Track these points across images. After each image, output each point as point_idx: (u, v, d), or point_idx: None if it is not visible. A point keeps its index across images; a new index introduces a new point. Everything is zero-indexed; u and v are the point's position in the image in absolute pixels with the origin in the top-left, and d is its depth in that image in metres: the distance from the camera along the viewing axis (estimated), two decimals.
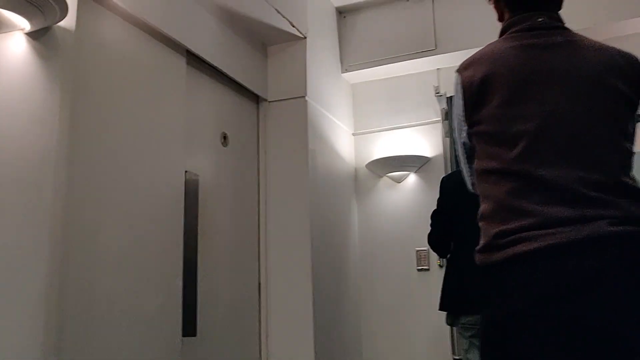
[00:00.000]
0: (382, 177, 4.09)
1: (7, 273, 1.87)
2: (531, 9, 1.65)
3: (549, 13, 1.64)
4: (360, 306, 3.96)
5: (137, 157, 2.54)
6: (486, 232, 1.48)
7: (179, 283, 2.66)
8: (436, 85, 3.85)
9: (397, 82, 4.18)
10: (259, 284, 3.32)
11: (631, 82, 1.55)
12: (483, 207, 1.53)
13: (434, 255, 3.71)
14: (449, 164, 3.90)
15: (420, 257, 3.85)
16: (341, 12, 4.26)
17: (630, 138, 1.54)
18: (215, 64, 3.09)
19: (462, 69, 1.64)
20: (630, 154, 1.52)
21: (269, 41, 3.61)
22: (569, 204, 1.40)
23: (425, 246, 3.42)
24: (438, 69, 4.09)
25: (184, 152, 2.83)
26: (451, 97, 3.49)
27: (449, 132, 3.79)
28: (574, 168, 1.44)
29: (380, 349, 3.86)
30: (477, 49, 3.77)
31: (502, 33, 1.68)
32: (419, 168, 3.99)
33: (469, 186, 1.70)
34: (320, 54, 3.86)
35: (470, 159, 1.64)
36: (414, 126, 4.05)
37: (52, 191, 1.98)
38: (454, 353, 3.45)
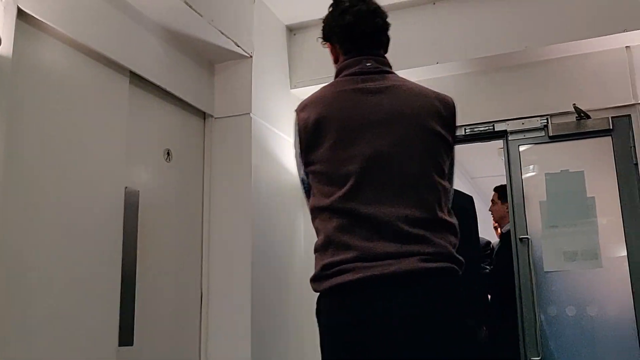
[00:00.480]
0: None
1: None
2: (361, 53, 1.84)
3: (376, 57, 1.87)
4: (302, 315, 4.10)
5: (75, 175, 2.65)
6: (317, 263, 1.68)
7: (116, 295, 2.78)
8: None
9: None
10: (201, 295, 3.45)
11: (446, 124, 1.76)
12: (317, 240, 1.70)
13: None
14: None
15: None
16: (291, 30, 4.41)
17: (446, 176, 1.73)
18: (158, 83, 3.22)
19: (299, 110, 1.78)
20: (447, 190, 1.71)
21: (216, 59, 3.74)
22: (389, 240, 1.57)
23: None
24: None
25: (125, 169, 2.96)
26: None
27: None
28: (397, 206, 1.61)
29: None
30: (423, 68, 3.98)
31: (336, 75, 1.86)
32: None
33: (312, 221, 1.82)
34: (268, 71, 4.00)
35: (308, 194, 1.82)
36: None
37: None
38: None
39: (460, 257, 1.64)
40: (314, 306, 4.24)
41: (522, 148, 3.92)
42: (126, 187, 2.96)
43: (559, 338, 3.65)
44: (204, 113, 3.66)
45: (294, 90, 4.32)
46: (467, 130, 4.01)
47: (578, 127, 3.78)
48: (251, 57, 3.74)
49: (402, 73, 4.00)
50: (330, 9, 2.01)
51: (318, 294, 1.71)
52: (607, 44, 3.72)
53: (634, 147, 3.64)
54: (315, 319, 1.77)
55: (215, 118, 3.69)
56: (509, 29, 3.84)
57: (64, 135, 2.62)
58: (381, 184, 1.64)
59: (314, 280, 1.69)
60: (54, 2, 2.56)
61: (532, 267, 3.72)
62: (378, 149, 1.66)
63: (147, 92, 3.22)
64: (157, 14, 3.16)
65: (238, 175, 3.56)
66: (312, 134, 1.71)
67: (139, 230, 3.02)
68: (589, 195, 3.72)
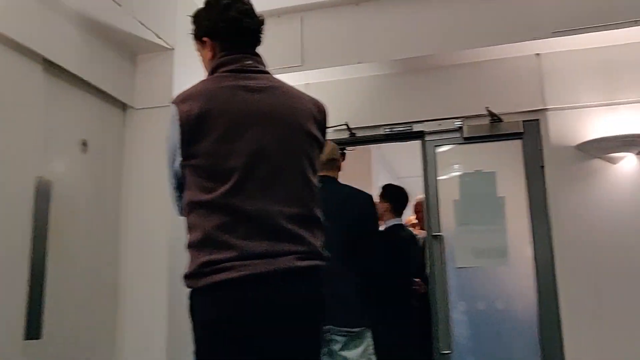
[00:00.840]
0: None
1: None
2: (240, 51, 1.89)
3: (255, 57, 1.91)
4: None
5: None
6: (194, 260, 1.67)
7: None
8: None
9: None
10: (117, 287, 3.41)
11: (319, 127, 1.88)
12: (192, 236, 1.70)
13: None
14: None
15: None
16: None
17: (316, 175, 1.82)
18: (76, 72, 3.15)
19: (179, 102, 1.77)
20: (316, 187, 1.80)
21: (138, 51, 3.70)
22: (267, 238, 1.64)
23: None
24: (307, 83, 4.31)
25: (38, 159, 2.89)
26: None
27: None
28: (275, 203, 1.68)
29: None
30: (344, 67, 4.02)
31: (213, 70, 1.90)
32: None
33: (177, 212, 1.85)
34: (191, 63, 3.96)
35: (180, 187, 1.81)
36: None
37: None
38: None
39: (326, 253, 1.76)
40: None
41: (438, 149, 4.05)
42: (37, 177, 2.89)
43: (469, 332, 3.81)
44: (124, 104, 3.61)
45: None
46: (386, 130, 4.12)
47: (491, 129, 3.95)
48: (173, 49, 3.72)
49: (324, 71, 4.15)
50: (208, 5, 2.02)
51: (191, 290, 1.71)
52: (519, 50, 3.90)
53: (542, 150, 3.83)
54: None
55: (135, 109, 3.65)
56: (428, 32, 3.97)
57: None
58: (261, 180, 1.70)
59: (191, 277, 1.68)
60: None
61: (444, 263, 3.86)
62: (260, 145, 1.72)
63: (64, 81, 3.15)
64: (74, 2, 3.10)
65: (158, 167, 3.52)
66: (194, 126, 1.70)
67: (51, 221, 2.95)
68: (499, 195, 3.90)
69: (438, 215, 3.97)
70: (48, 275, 2.90)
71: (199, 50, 2.04)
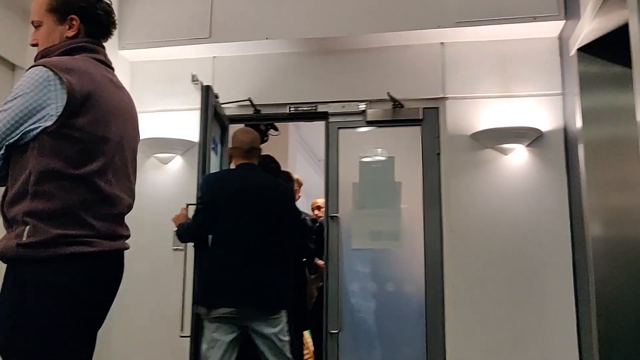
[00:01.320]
0: (149, 157, 4.18)
1: None
2: (100, 43, 2.02)
3: (104, 52, 2.04)
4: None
5: None
6: (43, 230, 1.71)
7: None
8: (194, 73, 3.96)
9: (175, 65, 4.27)
10: None
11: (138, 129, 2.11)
12: (43, 205, 1.72)
13: None
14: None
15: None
16: None
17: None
18: None
19: (63, 71, 1.75)
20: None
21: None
22: (114, 221, 1.89)
23: None
24: (214, 57, 4.24)
25: None
26: (208, 86, 3.63)
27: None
28: (123, 192, 1.92)
29: (129, 320, 4.00)
30: (252, 42, 3.92)
31: (72, 50, 1.91)
32: (186, 151, 4.14)
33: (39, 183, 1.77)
34: None
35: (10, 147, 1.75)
36: (185, 110, 4.17)
37: None
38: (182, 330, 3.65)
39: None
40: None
41: (341, 131, 4.07)
42: None
43: (359, 312, 3.88)
44: (13, 64, 3.46)
45: (122, 52, 4.19)
46: (291, 109, 4.11)
47: (393, 114, 3.99)
48: None
49: (232, 45, 4.09)
50: None
51: (25, 260, 1.73)
52: (425, 38, 3.96)
53: (439, 137, 3.90)
54: None
55: (25, 70, 3.48)
56: (336, 14, 3.96)
57: None
58: (118, 170, 1.90)
59: (38, 245, 1.71)
60: None
61: (340, 244, 3.90)
62: (120, 138, 1.91)
63: None
64: None
65: None
66: (81, 101, 1.77)
67: None
68: (396, 180, 3.96)
69: (337, 197, 3.99)
70: None
71: (48, 23, 1.98)
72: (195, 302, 3.26)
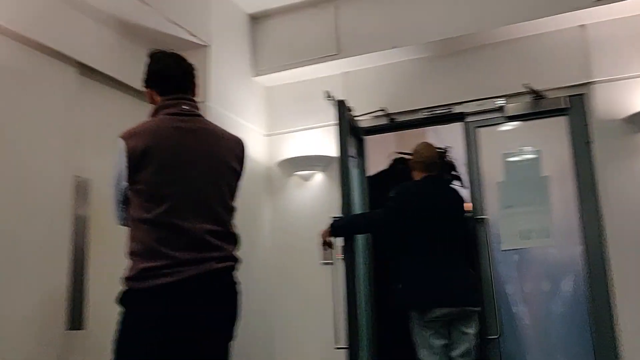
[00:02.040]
0: (292, 175, 4.30)
1: None
2: (177, 97, 2.34)
3: (190, 102, 2.37)
4: (272, 291, 4.19)
5: (23, 164, 2.74)
6: (135, 266, 2.12)
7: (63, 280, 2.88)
8: (326, 90, 3.99)
9: (308, 84, 4.38)
10: None
11: (239, 160, 2.37)
12: (133, 246, 2.15)
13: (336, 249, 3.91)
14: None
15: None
16: (254, 18, 4.45)
17: (235, 199, 2.34)
18: (109, 72, 3.29)
19: (127, 137, 2.20)
20: (234, 210, 2.34)
21: (174, 49, 3.76)
22: (195, 249, 2.11)
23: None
24: (344, 72, 4.30)
25: (75, 158, 3.04)
26: (341, 101, 3.68)
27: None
28: (202, 222, 2.15)
29: (284, 333, 4.12)
30: (379, 52, 3.95)
31: (155, 112, 2.33)
32: (326, 167, 4.21)
33: (117, 220, 2.32)
34: (228, 59, 4.06)
35: (124, 202, 2.24)
36: (321, 127, 4.25)
37: None
38: (337, 343, 3.67)
39: (237, 256, 2.29)
40: (281, 282, 4.21)
41: (480, 130, 3.94)
42: (76, 176, 3.04)
43: (517, 314, 3.70)
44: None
45: (257, 78, 4.38)
46: (425, 114, 4.05)
47: (534, 107, 3.80)
48: (208, 46, 3.80)
49: (360, 58, 4.11)
50: (148, 61, 2.48)
51: (127, 289, 2.14)
52: (561, 23, 3.73)
53: (588, 125, 3.65)
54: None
55: None
56: (462, 12, 3.86)
57: (10, 126, 2.70)
58: (192, 204, 2.16)
59: (133, 279, 2.11)
60: None
61: (489, 246, 3.75)
62: (190, 177, 2.19)
63: (98, 81, 3.29)
64: (105, 6, 3.23)
65: None
66: (139, 159, 2.15)
67: (90, 216, 3.10)
68: (544, 174, 3.75)
69: (482, 198, 3.86)
70: (88, 269, 3.04)
71: (146, 92, 2.48)
72: (399, 306, 3.39)
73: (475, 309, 3.36)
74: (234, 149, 2.36)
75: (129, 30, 3.45)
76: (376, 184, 4.32)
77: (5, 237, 2.62)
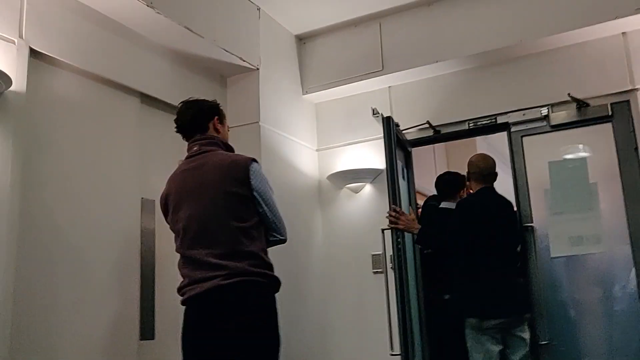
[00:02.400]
0: (342, 188, 4.47)
1: None
2: (191, 140, 2.73)
3: (201, 140, 2.68)
4: (324, 301, 4.36)
5: (94, 190, 3.01)
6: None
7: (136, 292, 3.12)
8: (374, 107, 4.13)
9: (354, 100, 4.55)
10: None
11: (239, 181, 2.52)
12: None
13: (388, 259, 4.04)
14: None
15: (375, 260, 4.21)
16: (301, 39, 4.65)
17: (249, 218, 2.54)
18: (169, 100, 3.53)
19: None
20: (246, 228, 2.52)
21: (227, 73, 4.04)
22: (203, 270, 2.46)
23: (380, 251, 3.87)
24: (389, 86, 4.45)
25: (141, 181, 3.29)
26: (389, 117, 3.82)
27: None
28: (205, 247, 2.48)
29: (341, 338, 4.31)
30: (422, 67, 3.98)
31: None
32: (374, 179, 4.36)
33: None
34: (277, 80, 4.27)
35: None
36: (369, 140, 4.41)
37: (6, 226, 2.46)
38: (391, 349, 3.79)
39: (259, 270, 2.50)
40: (333, 292, 4.26)
41: (525, 139, 4.01)
42: (142, 198, 3.29)
43: (567, 321, 3.75)
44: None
45: (306, 96, 4.57)
46: (470, 125, 4.15)
47: (578, 115, 3.85)
48: (258, 69, 4.01)
49: (403, 74, 4.26)
50: None
51: None
52: (603, 31, 3.78)
53: (634, 131, 3.69)
54: None
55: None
56: (503, 24, 3.96)
57: (80, 154, 2.97)
58: (194, 235, 2.52)
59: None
60: (63, 39, 2.92)
61: (537, 254, 3.82)
62: (193, 212, 2.53)
63: (159, 109, 3.54)
64: (162, 39, 3.48)
65: None
66: (164, 205, 2.71)
67: (156, 234, 3.34)
68: (591, 181, 3.80)
69: (529, 206, 3.93)
70: (157, 283, 3.28)
71: None
72: (455, 314, 3.54)
73: (528, 315, 3.54)
74: (231, 174, 2.53)
75: (184, 60, 3.70)
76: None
77: (84, 255, 2.89)
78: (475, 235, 3.45)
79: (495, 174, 3.73)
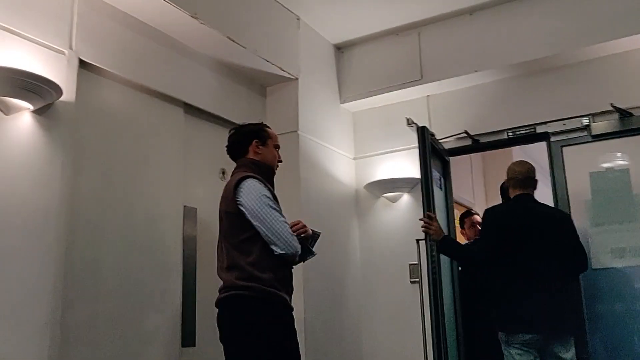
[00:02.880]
0: (379, 197, 4.48)
1: (16, 302, 2.39)
2: (237, 159, 2.88)
3: (236, 164, 2.86)
4: (361, 310, 4.37)
5: (138, 197, 3.07)
6: None
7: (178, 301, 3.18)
8: (408, 117, 4.11)
9: (392, 109, 4.56)
10: None
11: (230, 200, 2.63)
12: None
13: (424, 268, 4.03)
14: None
15: (413, 270, 4.20)
16: (339, 48, 4.68)
17: (247, 239, 2.59)
18: (211, 110, 3.59)
19: None
20: (237, 244, 2.62)
21: (267, 83, 4.09)
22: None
23: (416, 260, 3.87)
24: (428, 95, 4.45)
25: (184, 189, 3.35)
26: (423, 127, 3.81)
27: None
28: (219, 263, 2.71)
29: (377, 346, 4.30)
30: (461, 77, 4.12)
31: None
32: (412, 188, 4.36)
33: None
34: (316, 89, 4.30)
35: None
36: (407, 149, 4.40)
37: (54, 234, 2.53)
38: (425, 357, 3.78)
39: (243, 283, 2.54)
40: (371, 301, 4.28)
41: (565, 149, 3.97)
42: (185, 205, 3.34)
43: (610, 335, 3.68)
44: None
45: (344, 105, 4.59)
46: (509, 134, 4.13)
47: (621, 125, 3.80)
48: (297, 79, 4.05)
49: (441, 83, 4.26)
50: None
51: None
52: None
53: None
54: None
55: None
56: (543, 34, 3.93)
57: (126, 163, 3.04)
58: (217, 253, 2.76)
59: None
60: (111, 50, 2.99)
61: None
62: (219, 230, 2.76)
63: (202, 119, 3.60)
64: (205, 49, 3.55)
65: (288, 189, 3.84)
66: None
67: (198, 241, 3.40)
68: (634, 192, 3.74)
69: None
70: (198, 289, 3.33)
71: None
72: (497, 327, 3.34)
73: (568, 334, 3.24)
74: (226, 194, 2.68)
75: (226, 70, 3.76)
76: None
77: (129, 262, 2.95)
78: (503, 245, 3.26)
79: (534, 180, 3.48)
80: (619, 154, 3.84)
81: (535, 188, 3.50)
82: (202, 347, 3.28)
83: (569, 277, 3.41)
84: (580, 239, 3.40)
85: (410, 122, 3.88)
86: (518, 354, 3.21)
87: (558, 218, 3.45)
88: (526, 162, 3.60)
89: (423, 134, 3.75)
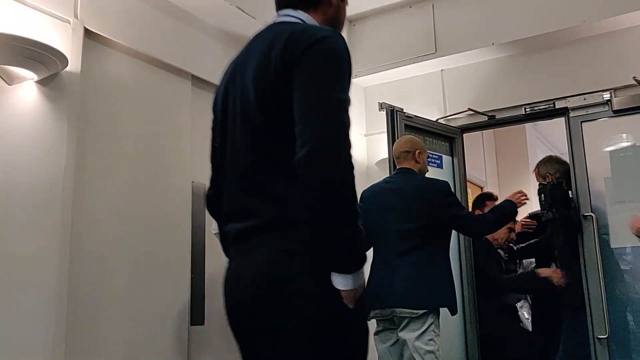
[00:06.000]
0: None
1: (22, 276, 2.32)
2: None
3: None
4: None
5: (146, 172, 2.98)
6: None
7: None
8: (380, 102, 3.90)
9: (405, 84, 4.44)
10: None
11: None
12: None
13: None
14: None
15: None
16: (350, 21, 4.55)
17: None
18: (217, 82, 3.48)
19: None
20: None
21: None
22: None
23: None
24: (442, 70, 4.32)
25: (192, 165, 3.25)
26: (392, 109, 3.72)
27: None
28: None
29: None
30: (477, 50, 4.07)
31: None
32: None
33: None
34: None
35: None
36: None
37: (60, 208, 2.45)
38: None
39: None
40: None
41: (585, 125, 3.85)
42: (193, 181, 3.25)
43: (627, 314, 3.60)
44: None
45: (355, 80, 4.47)
46: (527, 110, 4.01)
47: None
48: None
49: (456, 57, 4.13)
50: None
51: None
52: None
53: None
54: None
55: None
56: (564, 4, 3.79)
57: (133, 137, 2.95)
58: None
59: None
60: (117, 19, 2.88)
61: (597, 244, 3.67)
62: None
63: (210, 91, 3.45)
64: (213, 19, 3.43)
65: None
66: None
67: (206, 219, 3.31)
68: None
69: (589, 195, 3.77)
70: (207, 268, 3.25)
71: None
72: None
73: (410, 310, 2.89)
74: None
75: (235, 41, 3.62)
76: None
77: (136, 239, 2.87)
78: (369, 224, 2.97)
79: (406, 152, 3.21)
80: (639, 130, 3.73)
81: (413, 159, 3.21)
82: (211, 326, 3.21)
83: (428, 250, 3.01)
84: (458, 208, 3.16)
85: (381, 107, 3.75)
86: (376, 336, 3.05)
87: (429, 190, 3.14)
88: (402, 138, 3.41)
89: (392, 116, 3.67)
